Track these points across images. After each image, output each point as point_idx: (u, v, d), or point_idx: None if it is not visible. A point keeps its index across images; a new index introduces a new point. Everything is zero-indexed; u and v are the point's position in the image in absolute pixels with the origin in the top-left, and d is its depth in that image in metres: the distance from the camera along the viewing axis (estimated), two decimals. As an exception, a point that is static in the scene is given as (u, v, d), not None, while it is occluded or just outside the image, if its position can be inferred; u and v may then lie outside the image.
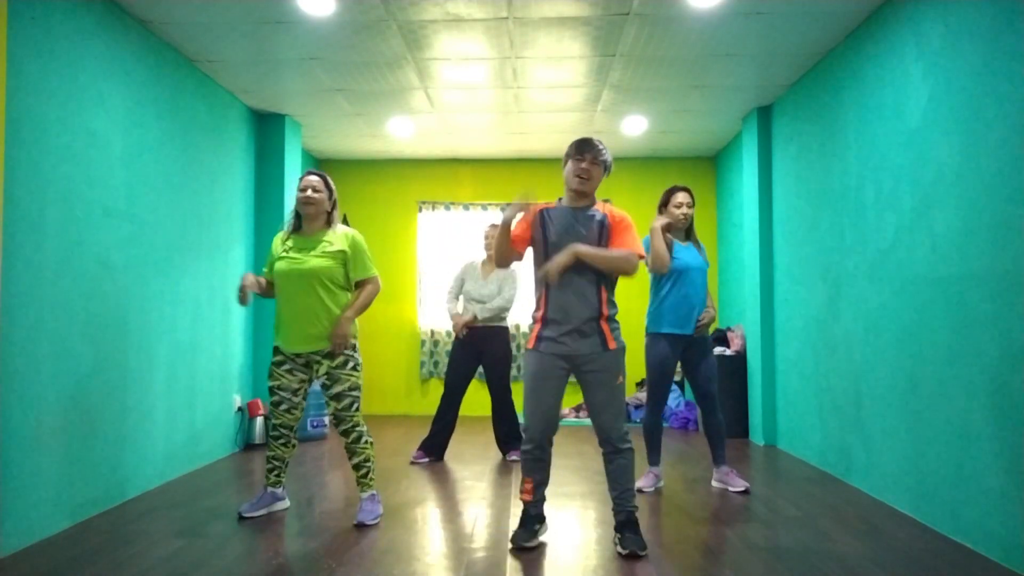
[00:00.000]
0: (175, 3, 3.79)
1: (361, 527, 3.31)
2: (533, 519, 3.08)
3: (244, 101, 5.43)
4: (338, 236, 3.40)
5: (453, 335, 5.02)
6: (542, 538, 3.12)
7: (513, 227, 3.03)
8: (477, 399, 7.05)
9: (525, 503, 3.08)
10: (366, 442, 3.41)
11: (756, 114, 5.60)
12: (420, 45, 4.40)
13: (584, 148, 3.02)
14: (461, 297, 5.04)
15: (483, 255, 5.06)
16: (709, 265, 4.04)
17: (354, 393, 3.37)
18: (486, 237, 4.99)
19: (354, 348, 3.41)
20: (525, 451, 3.05)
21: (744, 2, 3.80)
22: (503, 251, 3.05)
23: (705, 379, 3.94)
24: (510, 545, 3.03)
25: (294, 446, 3.49)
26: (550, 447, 3.06)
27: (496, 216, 7.23)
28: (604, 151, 3.04)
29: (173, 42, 4.30)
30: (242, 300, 3.30)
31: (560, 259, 2.89)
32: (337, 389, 3.34)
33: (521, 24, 4.12)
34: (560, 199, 3.12)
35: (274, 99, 5.41)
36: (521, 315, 6.88)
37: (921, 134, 3.42)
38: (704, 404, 3.97)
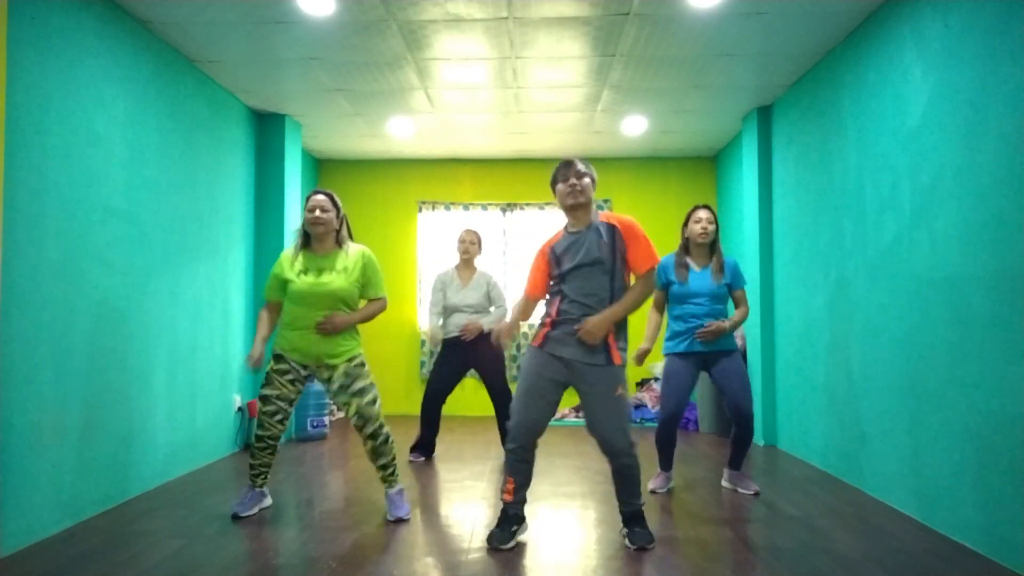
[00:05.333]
0: (175, 3, 3.79)
1: (398, 522, 3.38)
2: (511, 519, 3.08)
3: (244, 101, 5.43)
4: (352, 257, 3.43)
5: (440, 342, 4.97)
6: (521, 538, 3.13)
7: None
8: (477, 399, 7.05)
9: (505, 503, 3.08)
10: (392, 443, 3.44)
11: (756, 114, 5.60)
12: (420, 45, 4.40)
13: (566, 169, 3.06)
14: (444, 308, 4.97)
15: (456, 261, 5.00)
16: (742, 284, 3.90)
17: (375, 390, 3.41)
18: (461, 241, 4.95)
19: (361, 355, 3.46)
20: (509, 450, 3.05)
21: (744, 2, 3.80)
22: (528, 313, 3.27)
23: (734, 396, 3.79)
24: (486, 546, 3.04)
25: (278, 451, 3.56)
26: (534, 449, 3.06)
27: (489, 216, 7.24)
28: (584, 165, 3.05)
29: (173, 42, 4.30)
30: (255, 367, 3.44)
31: (590, 337, 2.92)
32: (359, 384, 3.36)
33: (521, 24, 4.12)
34: (565, 227, 3.13)
35: (274, 99, 5.41)
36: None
37: (921, 134, 3.42)
38: (735, 419, 3.84)
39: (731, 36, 4.23)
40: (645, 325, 4.11)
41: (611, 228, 3.01)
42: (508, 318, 3.29)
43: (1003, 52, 2.86)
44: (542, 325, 3.07)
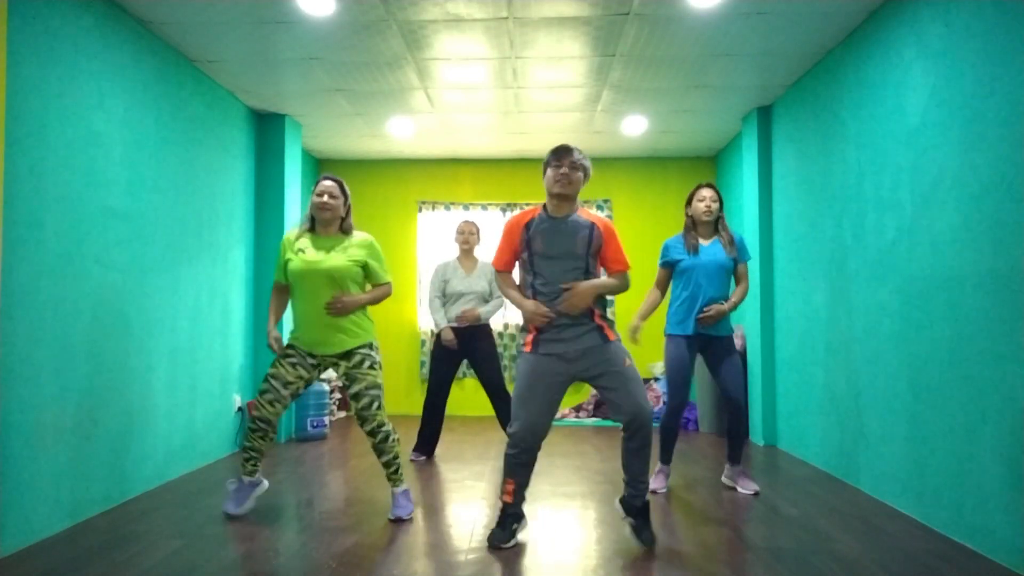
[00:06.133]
0: (175, 3, 3.79)
1: (398, 522, 3.38)
2: (511, 518, 3.08)
3: (244, 101, 5.43)
4: (356, 242, 3.44)
5: (435, 336, 4.97)
6: (521, 535, 3.14)
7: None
8: (477, 399, 7.05)
9: (505, 504, 3.09)
10: (394, 440, 3.42)
11: (756, 114, 5.60)
12: (420, 45, 4.40)
13: (561, 154, 3.01)
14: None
15: (456, 252, 5.03)
16: (747, 258, 3.92)
17: (373, 392, 3.37)
18: (460, 232, 4.99)
19: (371, 347, 3.45)
20: (510, 454, 3.02)
21: (744, 2, 3.80)
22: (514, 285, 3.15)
23: (726, 384, 3.82)
24: (486, 545, 3.04)
25: (272, 439, 3.49)
26: (537, 452, 3.04)
27: (489, 216, 7.24)
28: (582, 157, 3.03)
29: (173, 42, 4.29)
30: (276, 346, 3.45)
31: (575, 301, 2.92)
32: (356, 388, 3.35)
33: (521, 24, 4.12)
34: (544, 206, 3.09)
35: (274, 99, 5.41)
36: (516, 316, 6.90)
37: (921, 134, 3.42)
38: (728, 407, 3.87)
39: (731, 36, 4.23)
40: (640, 303, 4.01)
41: (591, 225, 3.02)
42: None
43: (1003, 52, 2.86)
44: (526, 331, 3.05)
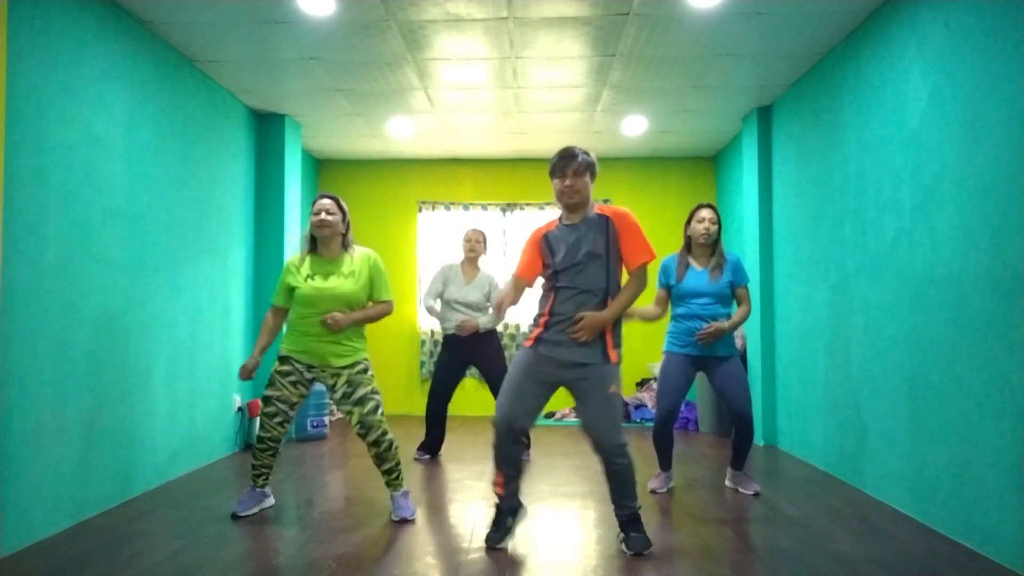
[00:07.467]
0: (175, 3, 3.79)
1: (402, 522, 3.39)
2: (505, 514, 3.06)
3: (244, 101, 5.43)
4: (359, 261, 3.44)
5: (443, 336, 4.99)
6: (521, 529, 3.13)
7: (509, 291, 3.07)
8: (477, 399, 7.05)
9: (498, 497, 3.08)
10: (396, 448, 3.42)
11: (756, 114, 5.60)
12: (420, 45, 4.40)
13: (562, 165, 2.94)
14: (439, 299, 5.02)
15: (461, 257, 5.02)
16: (745, 281, 3.86)
17: (377, 397, 3.38)
18: (467, 240, 4.97)
19: (367, 360, 3.45)
20: (494, 446, 3.02)
21: (744, 2, 3.80)
22: (516, 297, 3.08)
23: (731, 400, 3.78)
24: (484, 545, 3.03)
25: (279, 453, 3.54)
26: (519, 444, 3.01)
27: (489, 216, 7.24)
28: (582, 157, 2.95)
29: (173, 42, 4.30)
30: (247, 378, 3.45)
31: (582, 336, 2.88)
32: (361, 392, 3.34)
33: (521, 24, 4.12)
34: (559, 218, 3.07)
35: (274, 99, 5.41)
36: (515, 317, 6.91)
37: (921, 134, 3.43)
38: (734, 422, 3.83)
39: (731, 36, 4.23)
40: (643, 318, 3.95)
41: (605, 220, 2.96)
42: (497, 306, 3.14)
43: (1003, 52, 2.86)
44: (535, 325, 3.02)
